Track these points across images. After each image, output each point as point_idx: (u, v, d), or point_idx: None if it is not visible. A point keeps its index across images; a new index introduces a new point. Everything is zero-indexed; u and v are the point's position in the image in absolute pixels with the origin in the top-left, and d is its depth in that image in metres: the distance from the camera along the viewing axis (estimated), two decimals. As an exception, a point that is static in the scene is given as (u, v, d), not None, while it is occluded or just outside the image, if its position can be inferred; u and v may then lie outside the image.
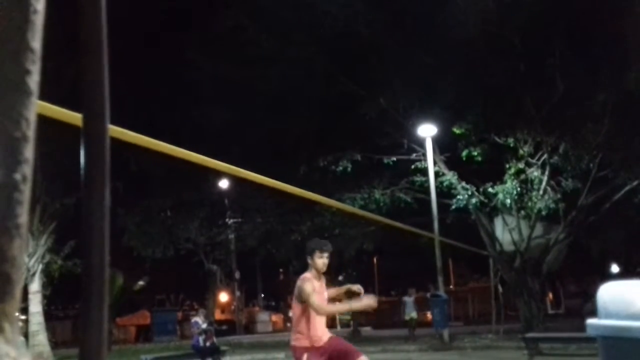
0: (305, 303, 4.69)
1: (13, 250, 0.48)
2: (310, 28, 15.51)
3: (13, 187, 0.49)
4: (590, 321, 2.71)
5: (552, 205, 15.37)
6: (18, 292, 0.49)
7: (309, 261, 4.84)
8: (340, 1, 15.24)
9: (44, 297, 18.61)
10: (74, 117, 1.90)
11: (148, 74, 18.70)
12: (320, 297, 4.73)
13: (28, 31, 0.50)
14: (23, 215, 0.49)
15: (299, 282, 4.77)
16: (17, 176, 0.49)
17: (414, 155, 16.70)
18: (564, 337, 11.36)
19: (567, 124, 14.68)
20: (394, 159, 16.76)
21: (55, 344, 21.46)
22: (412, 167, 16.82)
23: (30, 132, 0.50)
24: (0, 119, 0.49)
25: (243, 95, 17.73)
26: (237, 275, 34.85)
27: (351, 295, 5.07)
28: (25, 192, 0.50)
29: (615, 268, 32.90)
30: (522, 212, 15.90)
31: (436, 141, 16.35)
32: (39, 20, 0.51)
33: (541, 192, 15.37)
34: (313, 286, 4.68)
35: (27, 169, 0.50)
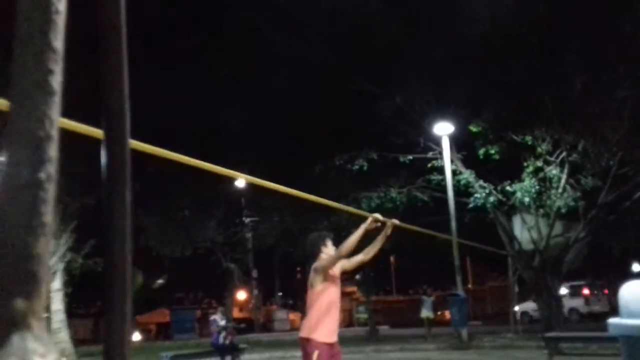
0: (320, 288, 4.63)
1: (39, 249, 0.48)
2: (325, 27, 15.49)
3: (38, 186, 0.50)
4: (612, 320, 2.67)
5: (572, 204, 15.19)
6: (44, 290, 0.50)
7: (322, 250, 4.82)
8: (354, 0, 15.21)
9: (66, 295, 18.86)
10: (94, 133, 1.94)
11: (163, 74, 18.83)
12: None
13: (50, 31, 0.51)
14: (48, 214, 0.50)
15: (313, 266, 4.77)
16: (42, 175, 0.50)
17: (430, 154, 16.61)
18: (584, 337, 11.23)
19: (586, 121, 14.48)
20: (410, 157, 16.69)
21: (76, 341, 21.73)
22: (429, 165, 16.73)
23: (54, 131, 0.50)
24: (25, 118, 0.49)
25: (258, 95, 17.78)
26: (254, 273, 35.00)
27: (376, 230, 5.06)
28: (50, 191, 0.50)
29: (637, 267, 32.43)
30: (541, 211, 15.73)
31: (453, 139, 16.24)
32: (60, 20, 0.51)
33: (560, 190, 15.19)
34: None
35: (52, 168, 0.51)
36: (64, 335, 17.97)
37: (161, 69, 18.82)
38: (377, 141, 16.43)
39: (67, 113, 0.55)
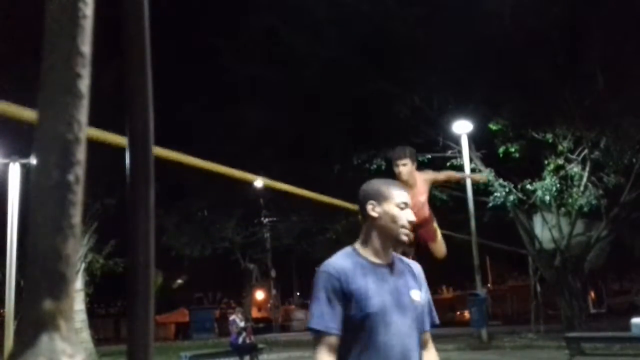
0: None
1: (67, 250, 0.49)
2: (343, 27, 15.48)
3: (66, 188, 0.51)
4: (635, 320, 2.63)
5: (594, 202, 15.00)
6: (72, 291, 0.51)
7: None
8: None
9: (87, 295, 19.11)
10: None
11: (183, 76, 18.98)
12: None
13: (78, 36, 0.52)
14: (76, 216, 0.51)
15: None
16: (71, 177, 0.51)
17: (449, 153, 16.51)
18: (607, 337, 11.08)
19: (608, 118, 14.29)
20: (429, 156, 16.58)
21: (97, 340, 22.02)
22: (448, 164, 16.62)
23: (82, 134, 0.51)
24: (54, 121, 0.50)
25: (276, 96, 17.83)
26: (272, 273, 35.11)
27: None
28: (78, 193, 0.51)
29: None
30: (562, 209, 15.56)
31: (472, 138, 16.12)
32: (88, 24, 0.52)
33: (582, 188, 15.01)
34: None
35: (80, 171, 0.52)
36: (85, 335, 18.22)
37: (179, 71, 18.97)
38: (395, 140, 16.31)
39: (90, 113, 0.55)
